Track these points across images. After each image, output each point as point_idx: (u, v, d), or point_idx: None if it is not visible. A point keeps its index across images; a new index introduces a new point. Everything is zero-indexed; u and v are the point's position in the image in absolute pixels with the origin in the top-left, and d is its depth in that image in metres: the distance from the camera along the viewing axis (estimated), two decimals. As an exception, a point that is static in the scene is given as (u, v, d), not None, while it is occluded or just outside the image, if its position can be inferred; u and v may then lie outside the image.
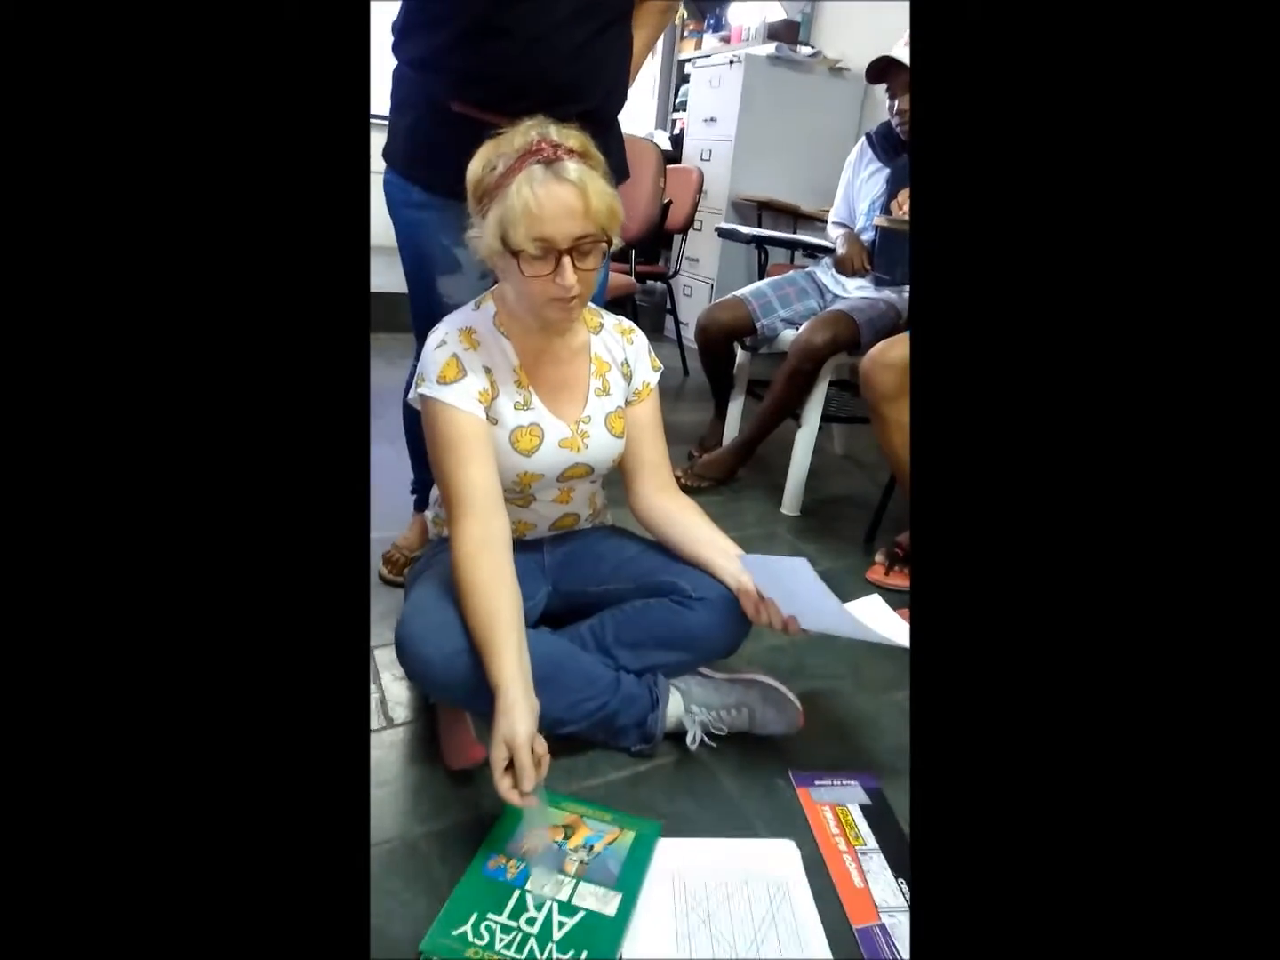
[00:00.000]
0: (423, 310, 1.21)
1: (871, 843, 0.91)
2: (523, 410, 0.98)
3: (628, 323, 1.10)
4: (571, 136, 0.87)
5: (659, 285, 3.22)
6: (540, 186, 0.83)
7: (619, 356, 1.07)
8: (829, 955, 0.77)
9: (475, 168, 0.88)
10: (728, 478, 1.95)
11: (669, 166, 2.82)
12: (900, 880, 0.86)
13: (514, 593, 0.89)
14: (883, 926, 0.81)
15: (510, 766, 0.78)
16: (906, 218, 1.50)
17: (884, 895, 0.84)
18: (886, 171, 1.84)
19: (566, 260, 0.86)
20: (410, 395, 0.97)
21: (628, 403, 1.07)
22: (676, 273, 3.09)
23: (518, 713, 0.79)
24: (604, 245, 0.89)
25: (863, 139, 1.93)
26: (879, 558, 1.58)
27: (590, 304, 1.06)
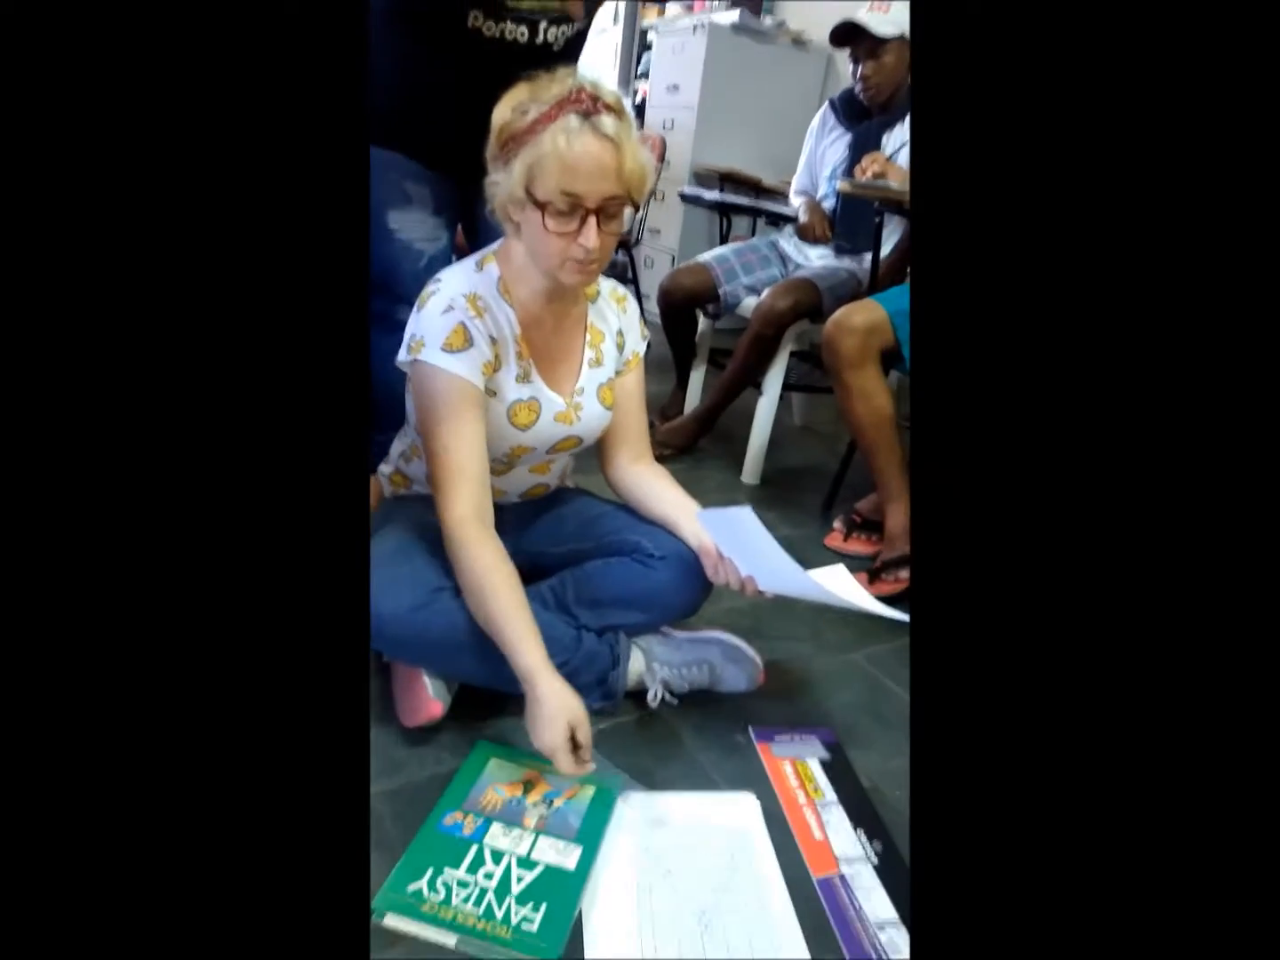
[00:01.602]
0: (371, 252, 1.16)
1: (831, 795, 0.92)
2: (523, 383, 0.95)
3: (621, 289, 1.07)
4: (608, 91, 0.83)
5: (620, 257, 3.18)
6: (576, 138, 0.78)
7: (614, 326, 1.04)
8: (789, 905, 0.77)
9: (503, 110, 0.83)
10: (689, 446, 1.94)
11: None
12: (859, 831, 0.87)
13: (516, 573, 0.87)
14: (842, 876, 0.81)
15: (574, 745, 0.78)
16: (869, 181, 1.50)
17: (843, 846, 0.85)
18: (849, 138, 1.83)
19: (592, 220, 0.82)
20: (401, 357, 0.91)
21: (617, 373, 1.05)
22: (639, 241, 3.05)
23: (568, 692, 0.80)
24: (630, 209, 0.85)
25: (825, 105, 1.93)
26: (837, 524, 1.59)
27: None
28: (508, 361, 0.93)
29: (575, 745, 0.79)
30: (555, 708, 0.78)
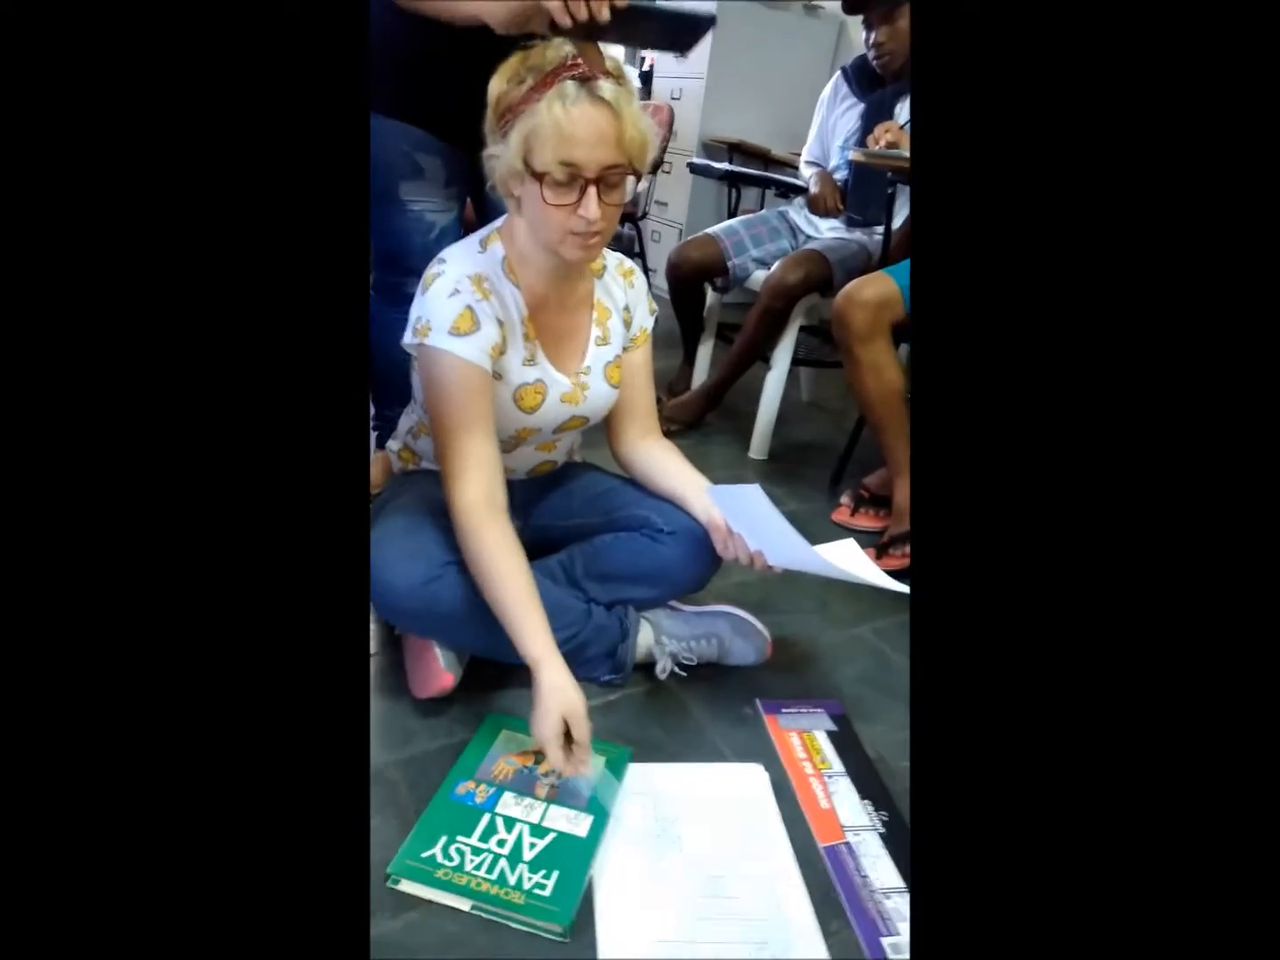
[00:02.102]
0: (381, 225, 1.15)
1: (837, 766, 0.93)
2: (529, 366, 0.94)
3: (628, 262, 1.06)
4: (606, 58, 0.81)
5: (627, 230, 3.14)
6: (574, 105, 0.76)
7: (620, 301, 1.03)
8: (797, 872, 0.78)
9: (498, 83, 0.81)
10: (696, 421, 1.93)
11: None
12: (865, 801, 0.88)
13: (525, 558, 0.86)
14: (848, 844, 0.82)
15: (566, 741, 0.78)
16: (882, 150, 1.47)
17: (849, 815, 0.86)
18: (861, 107, 1.80)
19: (592, 190, 0.80)
20: (407, 339, 0.90)
21: (625, 349, 1.04)
22: (645, 215, 3.01)
23: (570, 685, 0.79)
24: (632, 179, 0.83)
25: (838, 73, 1.89)
26: (845, 499, 1.59)
27: None
28: (515, 344, 0.92)
29: (571, 739, 0.78)
30: (552, 700, 0.78)
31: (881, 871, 0.79)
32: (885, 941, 0.72)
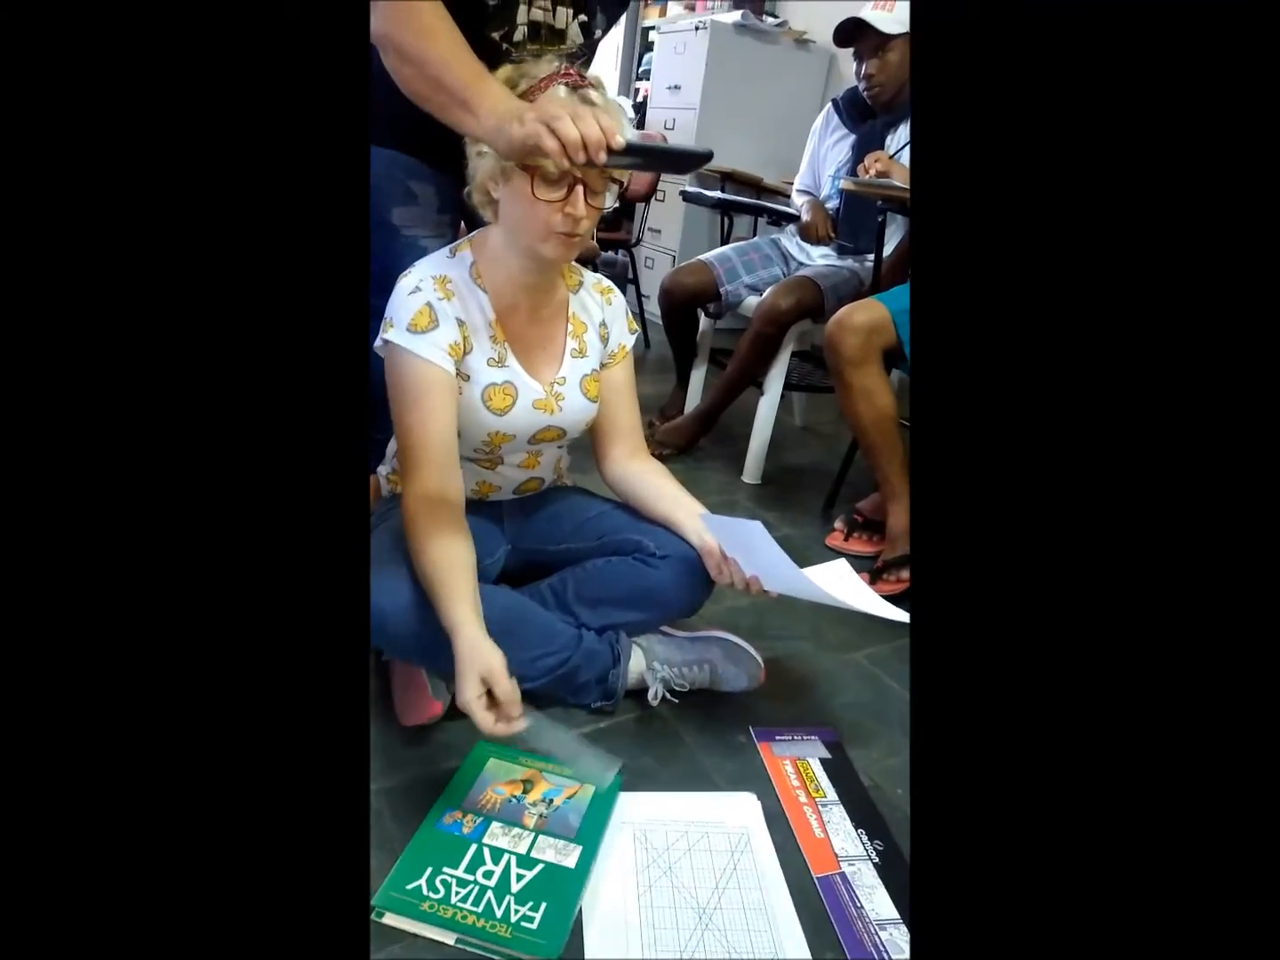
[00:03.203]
0: (374, 251, 1.16)
1: (831, 795, 0.91)
2: (496, 367, 0.94)
3: (606, 281, 1.07)
4: (592, 76, 0.86)
5: (620, 257, 3.17)
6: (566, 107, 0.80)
7: (597, 317, 1.03)
8: (790, 903, 0.76)
9: None
10: (689, 446, 1.93)
11: (635, 132, 2.77)
12: (860, 831, 0.87)
13: (468, 543, 0.86)
14: (843, 875, 0.81)
15: (491, 702, 0.75)
16: (872, 180, 1.49)
17: (844, 845, 0.85)
18: (852, 138, 1.83)
19: (580, 189, 0.83)
20: (375, 342, 0.91)
21: (603, 365, 1.04)
22: (639, 241, 3.05)
23: (486, 646, 0.77)
24: (615, 187, 0.87)
25: (829, 105, 1.92)
26: (838, 524, 1.59)
27: (571, 261, 1.02)
28: (480, 344, 0.93)
29: (496, 703, 0.75)
30: (467, 664, 0.76)
31: (877, 902, 0.78)
32: (880, 976, 0.71)
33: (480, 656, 0.76)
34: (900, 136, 1.74)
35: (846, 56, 1.83)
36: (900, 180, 1.50)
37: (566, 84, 0.83)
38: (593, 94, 0.83)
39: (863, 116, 1.81)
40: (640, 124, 3.33)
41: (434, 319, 0.88)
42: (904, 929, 0.75)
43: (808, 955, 0.71)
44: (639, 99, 3.79)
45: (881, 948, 0.73)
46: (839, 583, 0.99)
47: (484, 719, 0.75)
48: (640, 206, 2.97)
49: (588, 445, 1.10)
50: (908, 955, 0.72)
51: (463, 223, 1.28)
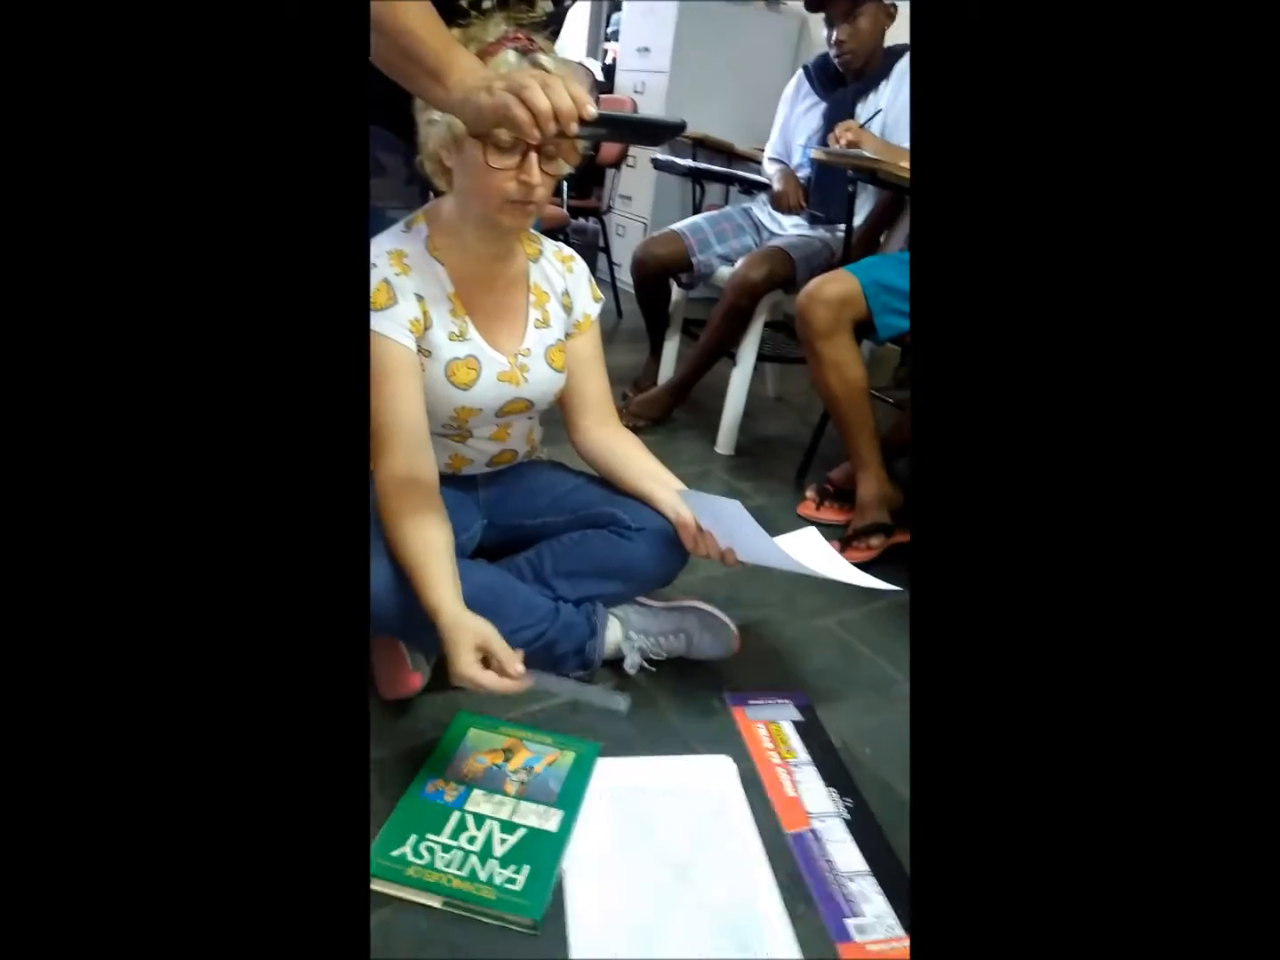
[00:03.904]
0: None
1: (803, 755, 0.95)
2: (458, 341, 0.94)
3: (567, 250, 1.06)
4: (542, 38, 0.84)
5: (591, 224, 3.14)
6: (516, 73, 0.78)
7: (559, 286, 1.03)
8: (764, 858, 0.80)
9: None
10: (663, 418, 1.94)
11: (601, 97, 2.72)
12: (830, 788, 0.90)
13: (443, 523, 0.87)
14: (814, 831, 0.84)
15: (487, 666, 0.77)
16: (843, 149, 1.49)
17: (815, 803, 0.88)
18: (823, 106, 1.82)
19: (534, 156, 0.82)
20: None
21: (568, 335, 1.04)
22: (610, 209, 3.01)
23: (470, 619, 0.79)
24: (570, 151, 0.86)
25: (800, 71, 1.91)
26: (810, 494, 1.61)
27: (530, 230, 1.01)
28: (440, 318, 0.92)
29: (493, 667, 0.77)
30: (457, 636, 0.77)
31: (846, 856, 0.82)
32: (850, 923, 0.74)
33: (469, 628, 0.78)
34: (871, 105, 1.74)
35: (818, 20, 1.81)
36: (871, 150, 1.50)
37: (515, 48, 0.81)
38: (544, 59, 0.81)
39: (833, 84, 1.80)
40: (609, 88, 3.27)
41: (392, 295, 0.88)
42: (873, 880, 0.79)
43: (780, 908, 0.75)
44: (608, 60, 3.71)
45: (850, 898, 0.77)
46: (810, 551, 1.02)
47: (490, 680, 0.76)
48: (611, 173, 2.93)
49: (560, 418, 1.10)
50: (877, 904, 0.76)
51: (430, 194, 1.26)
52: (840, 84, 1.79)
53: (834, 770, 0.93)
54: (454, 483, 1.03)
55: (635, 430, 1.14)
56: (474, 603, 0.85)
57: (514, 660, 0.77)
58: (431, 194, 1.26)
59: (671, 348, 2.08)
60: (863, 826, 0.85)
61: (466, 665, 0.76)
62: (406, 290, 0.89)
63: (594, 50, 4.01)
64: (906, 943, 0.73)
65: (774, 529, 0.93)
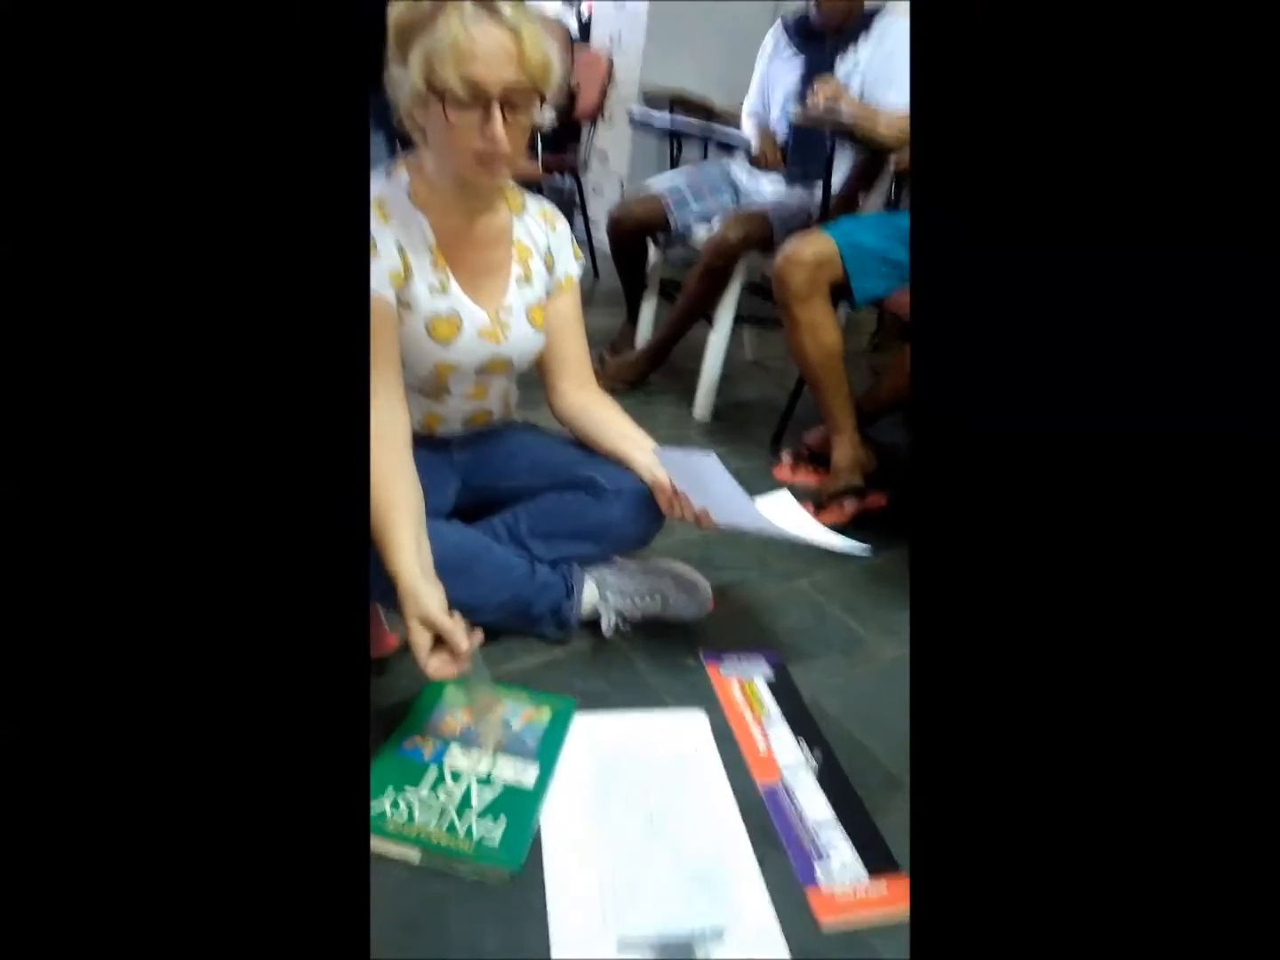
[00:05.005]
0: None
1: (775, 711, 0.97)
2: (439, 295, 0.92)
3: (550, 207, 1.04)
4: None
5: (567, 182, 3.07)
6: (473, 24, 0.76)
7: (542, 243, 1.01)
8: (735, 809, 0.82)
9: (398, 8, 0.80)
10: (640, 381, 1.93)
11: (576, 48, 2.64)
12: (801, 742, 0.93)
13: (412, 483, 0.86)
14: (783, 782, 0.87)
15: (436, 644, 0.77)
16: (821, 109, 1.47)
17: (785, 756, 0.91)
18: (801, 60, 1.79)
19: (496, 109, 0.79)
20: None
21: (548, 295, 1.03)
22: (586, 165, 2.95)
23: (423, 591, 0.77)
24: (537, 101, 0.83)
25: (777, 24, 1.87)
26: (785, 457, 1.63)
27: (511, 183, 0.99)
28: (421, 270, 0.90)
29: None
30: (409, 606, 0.77)
31: (814, 806, 0.84)
32: (817, 869, 0.77)
33: (417, 603, 0.77)
34: (850, 60, 1.71)
35: (798, -27, 1.77)
36: (848, 108, 1.49)
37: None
38: (503, 7, 0.78)
39: (812, 38, 1.77)
40: (585, 41, 3.17)
41: (374, 247, 0.86)
42: (840, 829, 0.82)
43: (750, 854, 0.77)
44: (584, 13, 3.59)
45: (818, 846, 0.80)
46: (784, 513, 1.03)
47: (430, 662, 0.76)
48: (587, 129, 2.86)
49: (537, 380, 1.10)
50: (843, 852, 0.79)
51: (398, 142, 1.22)
52: (819, 39, 1.76)
53: (804, 725, 0.95)
54: (428, 444, 1.02)
55: (612, 394, 1.14)
56: (448, 563, 0.85)
57: (461, 639, 0.76)
58: (399, 144, 1.23)
59: (649, 310, 2.06)
60: (831, 778, 0.88)
61: (414, 641, 0.76)
62: (388, 239, 0.87)
63: (569, 1, 3.88)
64: (870, 887, 0.76)
65: (749, 492, 0.94)
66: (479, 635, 0.79)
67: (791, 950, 0.69)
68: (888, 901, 0.75)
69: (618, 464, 1.03)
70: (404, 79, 0.80)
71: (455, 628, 0.76)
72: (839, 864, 0.78)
